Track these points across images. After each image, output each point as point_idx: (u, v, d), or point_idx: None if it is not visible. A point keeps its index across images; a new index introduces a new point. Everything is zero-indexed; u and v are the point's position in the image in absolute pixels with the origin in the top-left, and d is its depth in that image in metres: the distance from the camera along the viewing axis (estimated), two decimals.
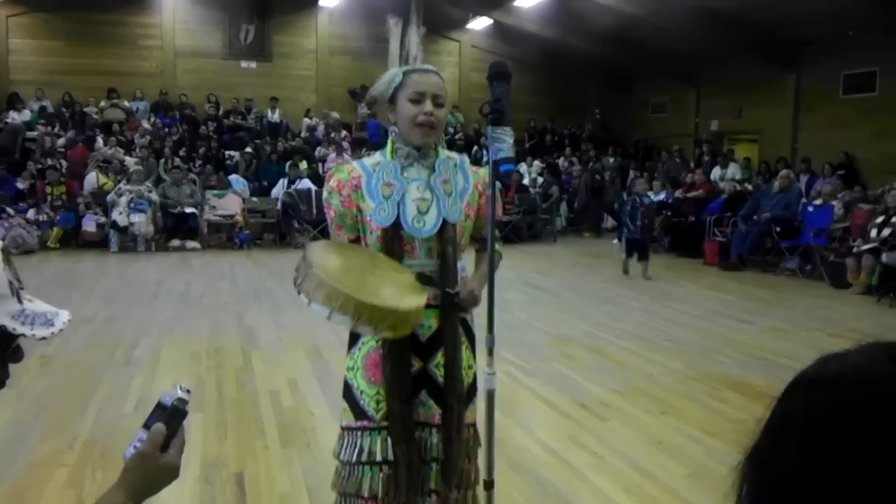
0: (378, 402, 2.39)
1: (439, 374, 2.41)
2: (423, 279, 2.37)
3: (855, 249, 9.64)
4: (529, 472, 3.73)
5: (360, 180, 2.44)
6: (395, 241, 2.38)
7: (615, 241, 14.46)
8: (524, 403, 4.83)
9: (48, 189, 12.86)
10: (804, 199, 11.69)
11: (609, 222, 16.12)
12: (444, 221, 2.39)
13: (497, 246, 2.51)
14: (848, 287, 9.42)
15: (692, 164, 15.78)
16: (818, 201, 11.40)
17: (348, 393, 2.46)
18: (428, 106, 2.37)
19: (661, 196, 14.10)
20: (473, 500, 2.54)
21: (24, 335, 1.14)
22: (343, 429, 2.46)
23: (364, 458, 2.38)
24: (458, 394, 2.39)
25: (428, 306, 2.38)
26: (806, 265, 10.70)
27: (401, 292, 2.19)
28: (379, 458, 2.37)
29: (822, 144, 13.75)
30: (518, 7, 15.81)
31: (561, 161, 17.70)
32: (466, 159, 2.57)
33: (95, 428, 4.24)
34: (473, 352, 2.54)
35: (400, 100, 2.41)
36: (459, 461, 2.42)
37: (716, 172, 15.13)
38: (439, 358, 2.41)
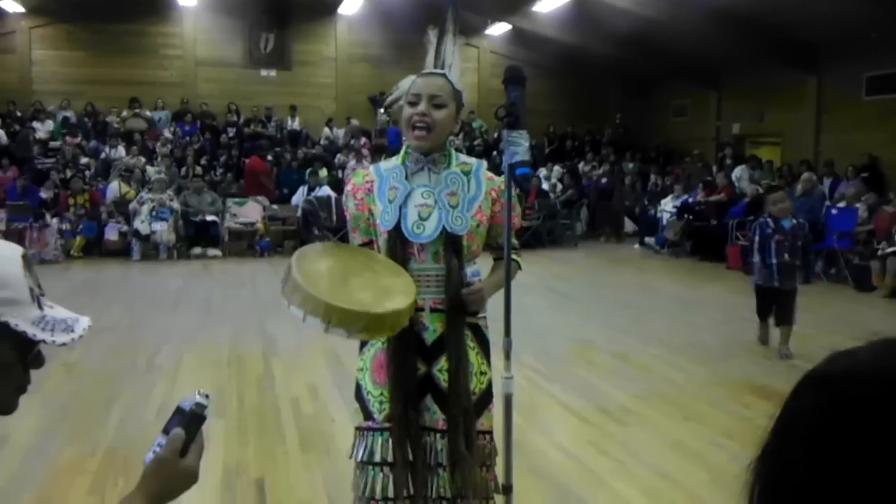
0: (381, 403, 2.40)
1: (443, 378, 2.39)
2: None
3: (879, 252, 9.55)
4: (549, 477, 3.71)
5: (373, 184, 2.47)
6: (398, 244, 2.39)
7: (636, 246, 14.45)
8: (545, 409, 4.80)
9: (71, 199, 12.97)
10: (827, 202, 11.58)
11: (630, 226, 15.99)
12: (447, 232, 2.38)
13: (516, 256, 2.48)
14: (873, 290, 9.32)
15: (714, 169, 15.64)
16: (842, 204, 11.28)
17: (358, 393, 2.48)
18: (421, 107, 2.37)
19: (685, 199, 14.02)
20: None
21: (44, 341, 1.14)
22: (356, 429, 2.47)
23: (366, 457, 2.38)
24: (463, 406, 2.36)
25: (434, 310, 2.38)
26: (830, 269, 10.58)
27: (382, 296, 2.17)
28: (378, 458, 2.37)
29: (844, 147, 13.57)
30: (536, 12, 15.76)
31: (581, 165, 17.59)
32: (483, 165, 2.53)
33: (117, 435, 4.27)
34: (487, 357, 2.50)
35: (404, 104, 2.43)
36: (473, 473, 2.38)
37: (737, 173, 14.95)
38: (443, 362, 2.39)
